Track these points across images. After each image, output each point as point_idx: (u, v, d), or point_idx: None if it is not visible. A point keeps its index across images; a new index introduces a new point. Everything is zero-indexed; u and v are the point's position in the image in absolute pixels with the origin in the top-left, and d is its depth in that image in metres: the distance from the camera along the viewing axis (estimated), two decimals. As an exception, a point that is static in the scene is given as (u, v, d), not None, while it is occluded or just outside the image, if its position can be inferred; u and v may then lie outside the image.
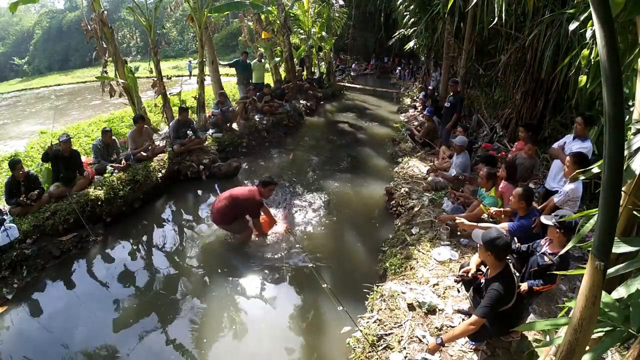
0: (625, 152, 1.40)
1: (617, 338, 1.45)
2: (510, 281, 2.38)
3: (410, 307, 3.01)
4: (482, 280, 2.58)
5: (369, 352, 2.71)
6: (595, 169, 1.65)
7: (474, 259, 2.81)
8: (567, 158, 3.33)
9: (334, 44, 17.30)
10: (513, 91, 6.83)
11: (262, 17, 11.70)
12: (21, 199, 4.63)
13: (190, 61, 22.71)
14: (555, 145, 4.13)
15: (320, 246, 4.58)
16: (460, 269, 2.95)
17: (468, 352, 2.60)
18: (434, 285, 3.26)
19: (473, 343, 2.63)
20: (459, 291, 3.15)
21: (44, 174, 5.26)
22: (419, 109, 10.93)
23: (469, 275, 2.73)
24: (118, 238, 4.96)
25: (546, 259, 2.61)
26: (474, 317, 2.33)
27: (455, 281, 3.11)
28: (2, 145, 10.01)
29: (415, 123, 9.68)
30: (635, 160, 1.45)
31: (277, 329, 3.35)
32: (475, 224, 3.60)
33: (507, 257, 2.49)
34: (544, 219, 2.70)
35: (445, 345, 2.50)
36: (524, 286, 2.60)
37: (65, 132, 6.62)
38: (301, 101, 12.12)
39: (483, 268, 2.70)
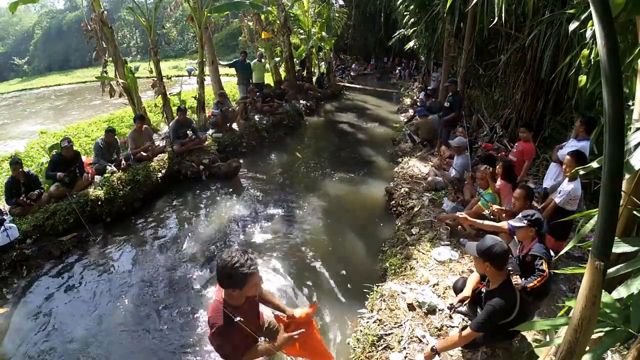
0: (624, 149, 1.39)
1: (617, 338, 1.45)
2: (511, 294, 2.26)
3: (410, 307, 3.00)
4: (483, 290, 2.48)
5: (369, 352, 2.71)
6: (595, 164, 1.64)
7: (471, 280, 2.69)
8: (567, 157, 3.33)
9: (334, 44, 17.29)
10: (513, 91, 6.83)
11: (262, 17, 11.70)
12: (21, 199, 4.63)
13: (191, 69, 22.41)
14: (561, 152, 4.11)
15: (321, 246, 4.57)
16: (453, 289, 2.92)
17: (468, 352, 2.60)
18: (434, 285, 3.26)
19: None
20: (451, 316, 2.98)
21: (44, 174, 5.26)
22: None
23: (464, 303, 2.68)
24: (118, 238, 4.95)
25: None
26: (468, 330, 2.27)
27: (449, 308, 2.86)
28: (2, 145, 10.00)
29: (415, 123, 9.69)
30: (635, 156, 1.44)
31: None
32: (477, 220, 3.59)
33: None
34: (513, 222, 2.73)
35: (440, 354, 2.47)
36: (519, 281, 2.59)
37: (66, 136, 6.57)
38: (301, 101, 12.12)
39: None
